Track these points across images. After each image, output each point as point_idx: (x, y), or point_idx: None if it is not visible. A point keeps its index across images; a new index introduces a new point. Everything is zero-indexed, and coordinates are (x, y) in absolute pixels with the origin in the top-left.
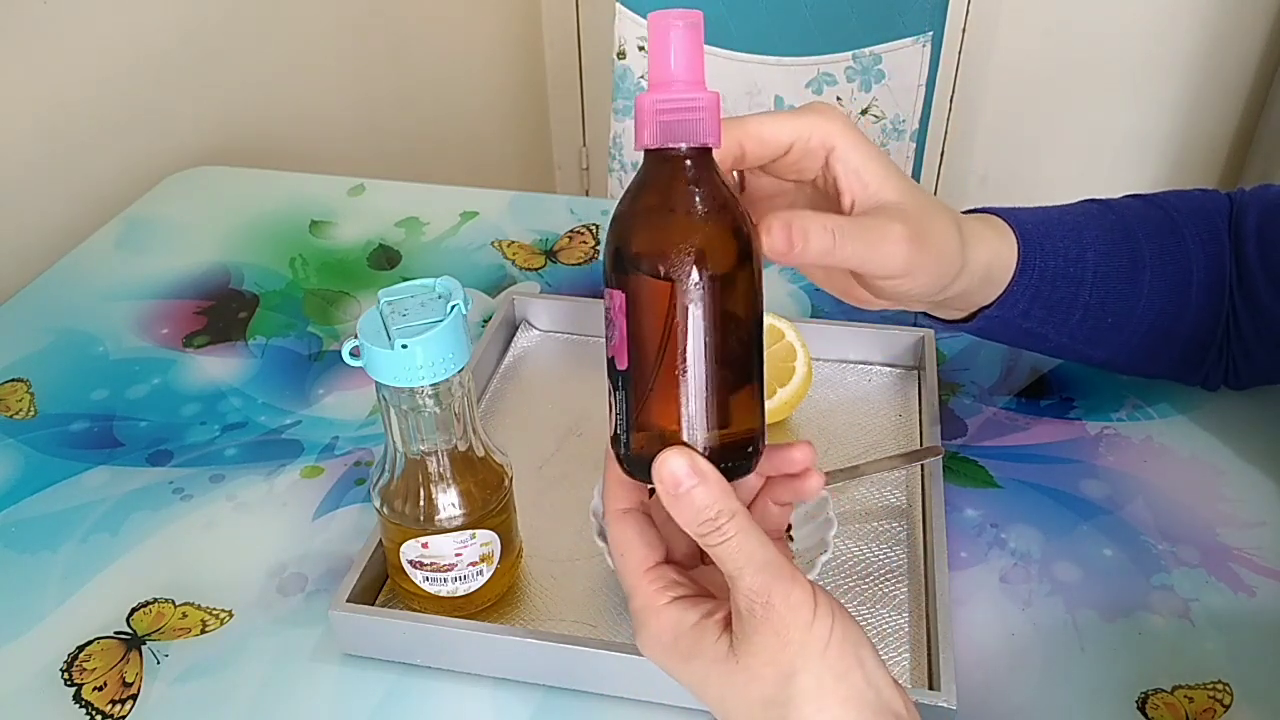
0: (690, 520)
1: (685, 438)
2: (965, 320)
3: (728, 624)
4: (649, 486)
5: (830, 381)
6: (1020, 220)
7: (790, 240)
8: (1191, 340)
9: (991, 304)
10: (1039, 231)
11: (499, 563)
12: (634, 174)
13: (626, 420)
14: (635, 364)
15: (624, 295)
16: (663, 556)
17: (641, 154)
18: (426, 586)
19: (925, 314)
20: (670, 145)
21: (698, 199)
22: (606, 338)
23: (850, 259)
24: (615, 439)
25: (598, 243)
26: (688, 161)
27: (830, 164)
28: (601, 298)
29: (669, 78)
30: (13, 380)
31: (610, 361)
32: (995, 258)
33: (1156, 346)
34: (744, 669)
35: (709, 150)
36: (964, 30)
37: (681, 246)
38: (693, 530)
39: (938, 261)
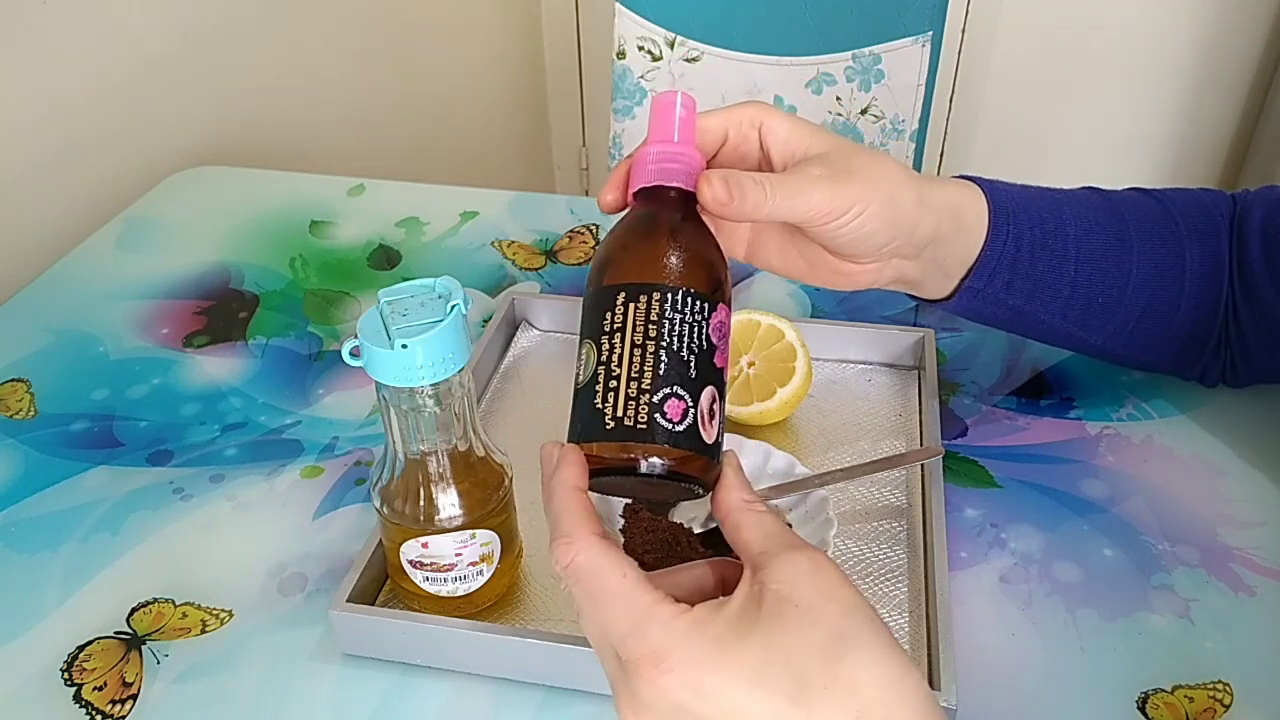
0: (747, 492)
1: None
2: (952, 297)
3: (756, 592)
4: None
5: (830, 381)
6: (990, 184)
7: (729, 191)
8: (1188, 331)
9: (970, 272)
10: (1012, 201)
11: (499, 563)
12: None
13: (721, 422)
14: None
15: (728, 310)
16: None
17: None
18: (426, 586)
19: (914, 297)
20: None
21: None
22: (690, 352)
23: (781, 205)
24: (682, 437)
25: (598, 242)
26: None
27: (763, 140)
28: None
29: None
30: (13, 380)
31: (709, 371)
32: (961, 201)
33: (1152, 335)
34: (807, 609)
35: None
36: (964, 30)
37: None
38: (744, 501)
39: (872, 188)
